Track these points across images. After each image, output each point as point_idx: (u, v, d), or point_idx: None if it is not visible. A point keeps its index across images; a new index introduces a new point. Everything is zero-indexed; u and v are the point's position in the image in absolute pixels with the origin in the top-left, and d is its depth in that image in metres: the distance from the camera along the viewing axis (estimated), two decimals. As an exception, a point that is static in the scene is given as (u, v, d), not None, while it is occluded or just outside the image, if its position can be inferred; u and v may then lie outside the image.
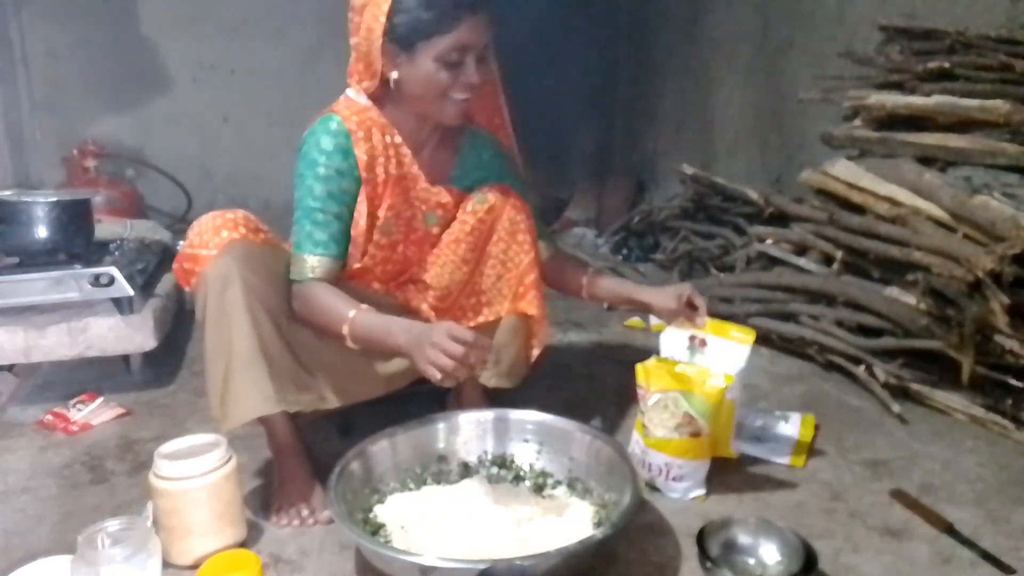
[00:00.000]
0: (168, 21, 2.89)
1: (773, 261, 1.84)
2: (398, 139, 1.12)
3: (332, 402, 1.11)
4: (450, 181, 1.18)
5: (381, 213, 1.11)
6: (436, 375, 0.91)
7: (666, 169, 3.06)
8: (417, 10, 1.01)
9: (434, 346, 0.91)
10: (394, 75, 1.06)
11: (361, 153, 1.08)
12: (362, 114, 1.10)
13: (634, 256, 2.71)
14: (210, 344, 1.03)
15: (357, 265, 1.12)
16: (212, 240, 1.05)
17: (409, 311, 1.16)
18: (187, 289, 1.10)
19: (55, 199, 1.48)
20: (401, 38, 1.03)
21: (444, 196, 1.16)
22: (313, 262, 1.05)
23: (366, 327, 1.00)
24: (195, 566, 0.90)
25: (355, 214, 1.09)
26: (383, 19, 1.02)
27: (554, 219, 3.26)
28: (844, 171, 1.70)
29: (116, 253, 1.54)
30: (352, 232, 1.10)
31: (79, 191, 2.06)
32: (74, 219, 1.49)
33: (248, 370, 1.00)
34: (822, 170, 1.78)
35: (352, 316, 1.00)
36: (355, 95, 1.12)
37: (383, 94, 1.12)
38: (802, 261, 1.75)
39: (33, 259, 1.46)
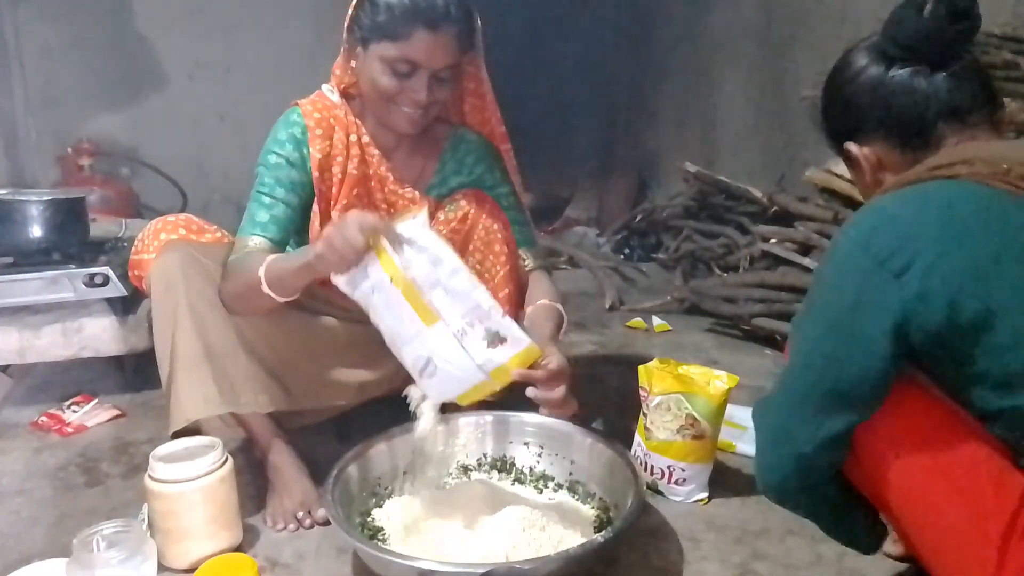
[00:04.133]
0: (163, 19, 2.88)
1: (777, 261, 1.83)
2: (366, 139, 1.11)
3: (298, 404, 1.09)
4: (428, 188, 1.15)
5: (335, 213, 1.09)
6: (326, 259, 0.84)
7: (668, 167, 3.05)
8: (377, 9, 0.99)
9: (335, 232, 0.83)
10: (353, 64, 1.06)
11: (315, 151, 1.06)
12: (327, 111, 1.09)
13: (636, 255, 2.70)
14: (158, 346, 1.03)
15: None
16: (152, 243, 1.08)
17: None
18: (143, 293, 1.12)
19: (50, 198, 1.47)
20: (360, 30, 1.02)
21: (416, 200, 1.12)
22: (251, 242, 1.02)
23: (279, 261, 0.94)
24: (191, 569, 0.89)
25: (311, 215, 1.07)
26: (352, 6, 1.02)
27: (555, 218, 3.25)
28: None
29: (111, 253, 1.53)
30: (311, 235, 1.08)
31: (74, 190, 2.05)
32: (69, 218, 1.48)
33: (190, 372, 0.99)
34: (826, 168, 1.76)
35: (268, 259, 0.94)
36: (329, 91, 1.12)
37: (360, 93, 1.11)
38: (806, 260, 1.74)
39: (27, 259, 1.44)
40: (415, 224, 0.85)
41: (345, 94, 1.12)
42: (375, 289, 0.85)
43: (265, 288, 0.93)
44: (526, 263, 1.17)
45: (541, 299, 1.11)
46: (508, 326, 0.85)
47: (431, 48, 0.98)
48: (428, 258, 0.84)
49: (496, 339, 0.84)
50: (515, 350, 0.85)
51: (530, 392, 0.92)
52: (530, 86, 3.44)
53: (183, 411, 0.99)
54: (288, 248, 1.07)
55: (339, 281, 0.87)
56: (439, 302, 0.84)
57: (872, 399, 0.68)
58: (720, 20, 2.71)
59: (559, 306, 1.11)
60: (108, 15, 2.83)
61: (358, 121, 1.11)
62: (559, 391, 0.92)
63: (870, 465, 0.71)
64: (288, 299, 0.96)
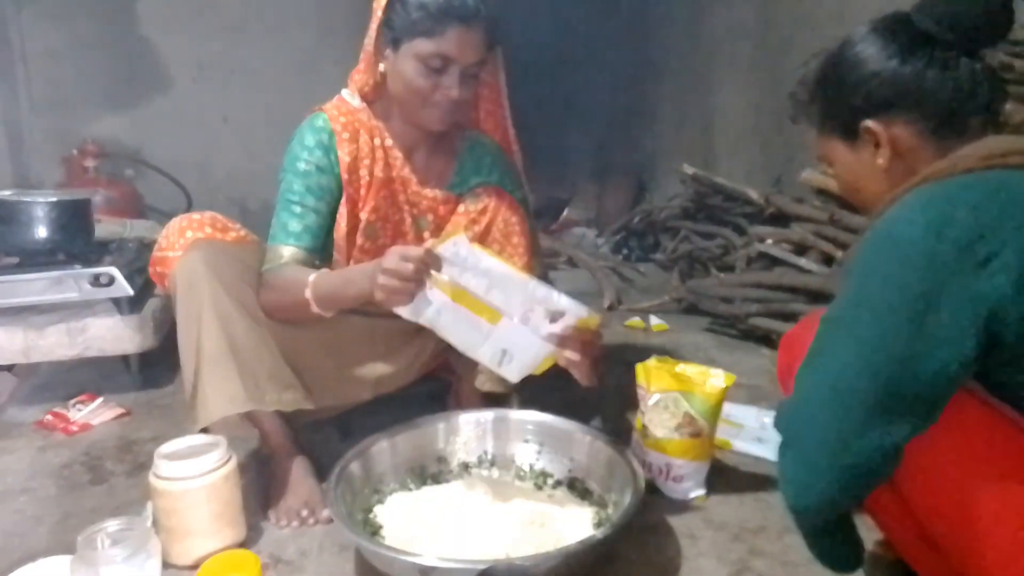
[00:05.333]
0: (168, 20, 2.89)
1: (774, 261, 1.84)
2: (389, 142, 1.12)
3: (318, 402, 1.10)
4: (449, 187, 1.17)
5: (364, 215, 1.10)
6: (387, 298, 0.89)
7: (666, 169, 3.06)
8: (410, 7, 1.01)
9: (385, 272, 0.88)
10: (381, 68, 1.08)
11: (344, 154, 1.08)
12: (351, 115, 1.10)
13: (634, 256, 2.71)
14: (182, 344, 1.04)
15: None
16: (178, 241, 1.07)
17: (397, 316, 1.15)
18: (163, 291, 1.12)
19: (54, 199, 1.47)
20: (391, 32, 1.04)
21: (438, 199, 1.15)
22: (285, 252, 1.05)
23: (327, 284, 0.98)
24: (194, 566, 0.90)
25: (337, 216, 1.08)
26: (382, 9, 1.04)
27: (555, 219, 3.26)
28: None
29: (115, 253, 1.54)
30: (335, 236, 1.09)
31: (78, 191, 2.06)
32: (73, 219, 1.49)
33: (215, 370, 1.00)
34: (823, 169, 1.77)
35: (312, 279, 0.98)
36: (349, 96, 1.13)
37: (378, 96, 1.12)
38: (803, 261, 1.75)
39: (32, 259, 1.45)
40: (458, 243, 0.90)
41: (364, 98, 1.13)
42: (440, 311, 0.91)
43: (315, 308, 0.98)
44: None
45: None
46: (564, 302, 0.91)
47: (464, 42, 1.01)
48: (478, 271, 0.90)
49: (557, 314, 0.91)
50: (575, 318, 0.91)
51: (568, 354, 0.92)
52: (529, 87, 3.44)
53: (210, 409, 1.00)
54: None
55: (404, 312, 0.92)
56: (498, 300, 0.91)
57: (942, 402, 0.62)
58: (718, 22, 2.72)
59: None
60: (112, 17, 2.85)
61: (380, 124, 1.12)
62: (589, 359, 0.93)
63: (916, 480, 0.65)
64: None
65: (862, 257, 0.67)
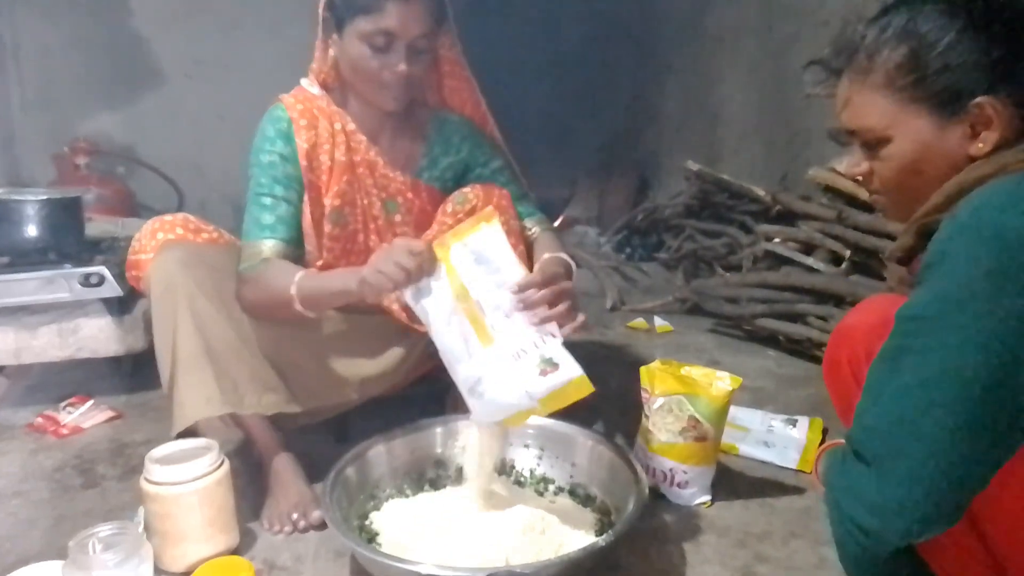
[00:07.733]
0: (161, 17, 2.87)
1: (780, 260, 1.82)
2: (351, 126, 1.11)
3: (302, 404, 1.09)
4: (420, 171, 1.16)
5: (328, 201, 1.09)
6: (383, 282, 0.87)
7: (670, 166, 3.04)
8: None
9: (396, 263, 0.87)
10: (331, 53, 1.08)
11: (302, 141, 1.07)
12: (309, 102, 1.10)
13: (637, 255, 2.69)
14: (158, 347, 1.03)
15: (320, 262, 1.10)
16: (150, 243, 1.08)
17: (380, 310, 1.13)
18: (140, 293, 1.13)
19: (45, 197, 1.46)
20: (334, 15, 1.04)
21: (407, 183, 1.13)
22: (263, 247, 1.03)
23: (315, 280, 0.97)
24: (187, 572, 0.89)
25: (303, 205, 1.08)
26: None
27: (555, 217, 3.24)
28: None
29: (107, 252, 1.52)
30: (303, 225, 1.08)
31: (70, 189, 2.03)
32: (65, 218, 1.48)
33: (191, 372, 0.99)
34: (829, 167, 1.75)
35: (299, 277, 0.97)
36: (308, 85, 1.13)
37: (338, 83, 1.12)
38: (809, 260, 1.73)
39: (23, 258, 1.44)
40: (488, 233, 0.86)
41: (324, 86, 1.13)
42: (438, 302, 0.87)
43: (298, 306, 0.97)
44: (532, 231, 1.17)
45: (546, 254, 1.07)
46: (562, 354, 0.85)
47: (404, 16, 1.00)
48: (495, 279, 0.86)
49: (549, 365, 0.84)
50: (566, 378, 0.83)
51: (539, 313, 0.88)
52: (531, 85, 3.43)
53: (185, 412, 0.99)
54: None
55: (406, 293, 0.88)
56: (499, 324, 0.86)
57: None
58: (722, 18, 2.70)
59: (566, 257, 1.07)
60: (105, 14, 2.83)
61: (341, 110, 1.11)
62: (562, 305, 0.89)
63: (995, 501, 0.61)
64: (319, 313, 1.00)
65: (953, 249, 0.59)
